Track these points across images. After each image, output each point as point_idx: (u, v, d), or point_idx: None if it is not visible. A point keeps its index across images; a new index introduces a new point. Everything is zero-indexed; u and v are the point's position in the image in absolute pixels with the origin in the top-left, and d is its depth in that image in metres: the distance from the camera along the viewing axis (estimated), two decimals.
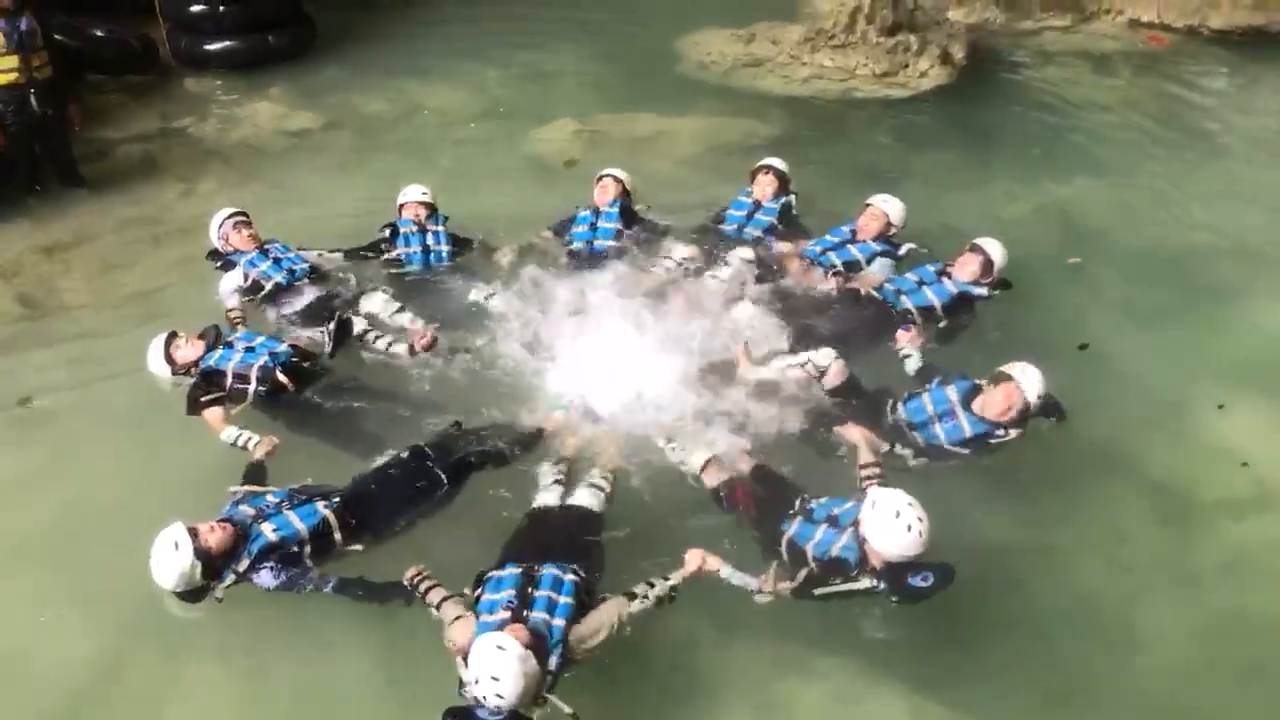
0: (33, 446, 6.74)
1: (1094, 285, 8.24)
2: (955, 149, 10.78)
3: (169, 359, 6.74)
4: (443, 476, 5.91)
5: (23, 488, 6.41)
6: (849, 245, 7.86)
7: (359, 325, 7.21)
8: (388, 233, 8.09)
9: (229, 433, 6.25)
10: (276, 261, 7.65)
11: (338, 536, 5.50)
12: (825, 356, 6.55)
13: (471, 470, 6.06)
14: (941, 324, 7.25)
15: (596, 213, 8.25)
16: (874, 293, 7.38)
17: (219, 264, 7.77)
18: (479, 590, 5.03)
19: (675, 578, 5.14)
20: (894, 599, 5.05)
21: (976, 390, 6.10)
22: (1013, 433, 5.99)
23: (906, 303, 7.26)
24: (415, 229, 8.07)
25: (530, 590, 4.92)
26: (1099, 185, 9.98)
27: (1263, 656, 5.40)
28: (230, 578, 5.23)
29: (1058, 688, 5.24)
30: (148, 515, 5.34)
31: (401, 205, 8.22)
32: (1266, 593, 5.72)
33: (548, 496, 5.88)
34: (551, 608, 4.85)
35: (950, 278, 7.35)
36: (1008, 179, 10.01)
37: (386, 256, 8.04)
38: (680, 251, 7.99)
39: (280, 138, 11.12)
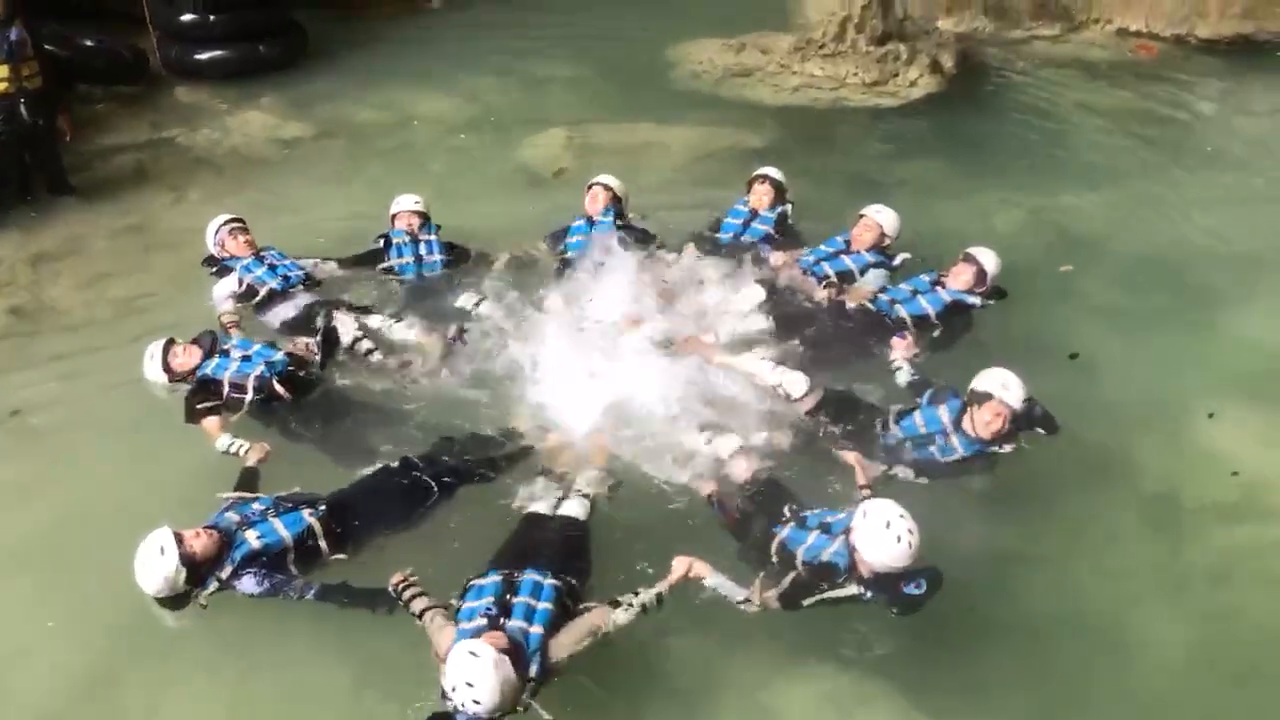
0: (23, 457, 6.72)
1: (1084, 293, 8.25)
2: (945, 157, 10.79)
3: (166, 366, 6.75)
4: (432, 486, 5.92)
5: (13, 497, 6.39)
6: (843, 256, 7.87)
7: (346, 335, 7.21)
8: (381, 243, 8.10)
9: (223, 440, 6.27)
10: (272, 268, 7.70)
11: (323, 545, 5.51)
12: (797, 385, 6.58)
13: (460, 482, 6.05)
14: (936, 333, 7.26)
15: (590, 222, 8.25)
16: (867, 304, 7.39)
17: (214, 270, 7.78)
18: (462, 598, 5.04)
19: (661, 586, 5.12)
20: (893, 610, 5.04)
21: (966, 408, 6.09)
22: (1007, 447, 6.00)
23: (901, 312, 7.27)
24: (408, 239, 8.08)
25: (509, 597, 4.93)
26: (1088, 193, 10.00)
27: (1254, 662, 5.40)
28: (214, 584, 5.24)
29: (1050, 694, 5.24)
30: (138, 524, 5.31)
31: (394, 215, 8.21)
32: (1257, 599, 5.73)
33: (538, 505, 5.86)
34: (530, 614, 4.87)
35: (944, 287, 7.37)
36: (998, 187, 10.02)
37: (380, 266, 8.05)
38: (679, 260, 7.98)
39: (271, 147, 11.10)
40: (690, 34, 13.43)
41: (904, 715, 5.05)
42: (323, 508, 5.63)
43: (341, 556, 5.55)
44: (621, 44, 13.59)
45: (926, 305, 7.29)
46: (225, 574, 5.24)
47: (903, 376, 6.72)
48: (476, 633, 4.72)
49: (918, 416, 6.24)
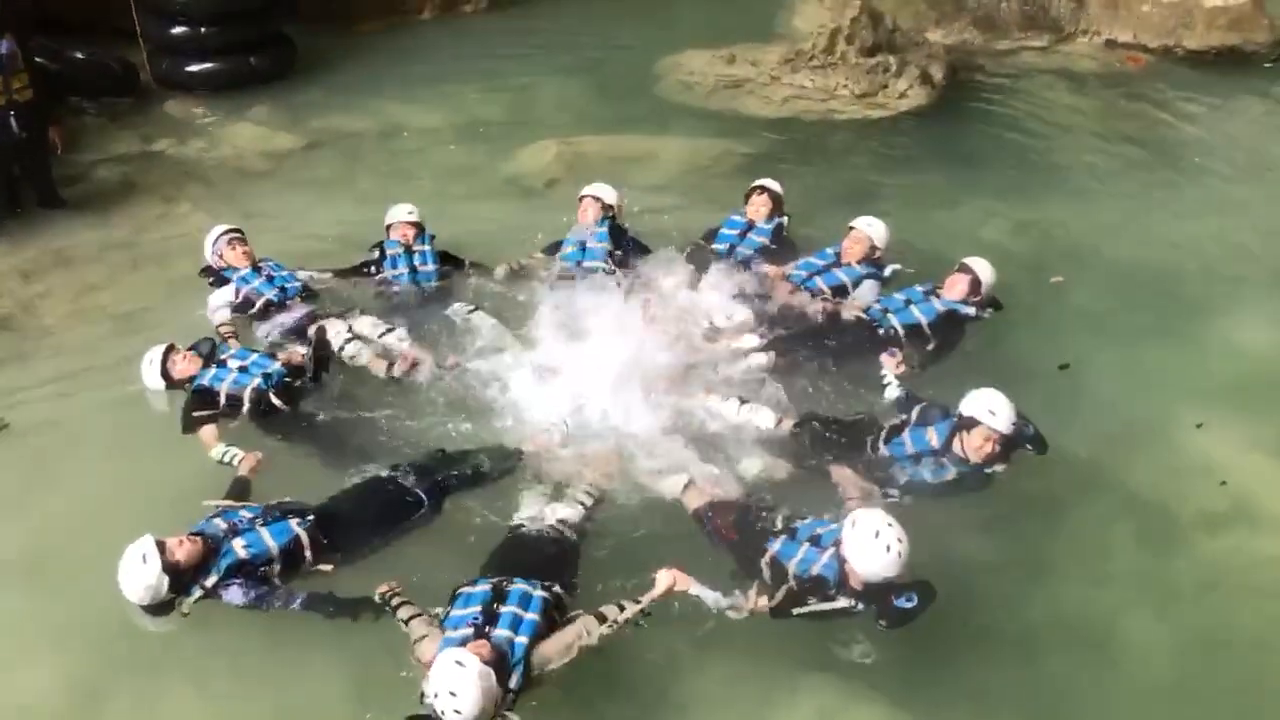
0: (10, 469, 6.69)
1: (1073, 304, 8.27)
2: (935, 169, 10.83)
3: (165, 373, 6.78)
4: (422, 497, 5.92)
5: (1, 509, 6.36)
6: (834, 269, 7.89)
7: (337, 340, 7.24)
8: (377, 254, 8.11)
9: (218, 450, 6.31)
10: (269, 279, 7.71)
11: (308, 555, 5.51)
12: (765, 420, 6.58)
13: (450, 492, 6.06)
14: (931, 345, 7.26)
15: (585, 231, 8.25)
16: (861, 315, 7.41)
17: (212, 279, 7.80)
18: (450, 606, 5.05)
19: (646, 599, 5.11)
20: (882, 623, 5.04)
21: (955, 432, 6.08)
22: (999, 468, 6.00)
23: (893, 321, 7.29)
24: (402, 250, 8.09)
25: (497, 606, 4.94)
26: (1078, 204, 10.04)
27: (1244, 671, 5.43)
28: (198, 592, 5.25)
29: (1041, 704, 5.26)
30: (127, 536, 5.29)
31: (389, 225, 8.22)
32: (1246, 609, 5.76)
33: (529, 513, 5.88)
34: (516, 624, 4.87)
35: (939, 298, 7.38)
36: (987, 198, 10.05)
37: (376, 277, 8.07)
38: (671, 281, 7.96)
39: (261, 159, 11.08)
40: (680, 45, 13.42)
41: None
42: (311, 518, 5.62)
43: (327, 568, 5.54)
44: (611, 55, 13.60)
45: (919, 315, 7.31)
46: (210, 582, 5.24)
47: (892, 391, 6.73)
48: (463, 641, 4.73)
49: (906, 437, 6.24)
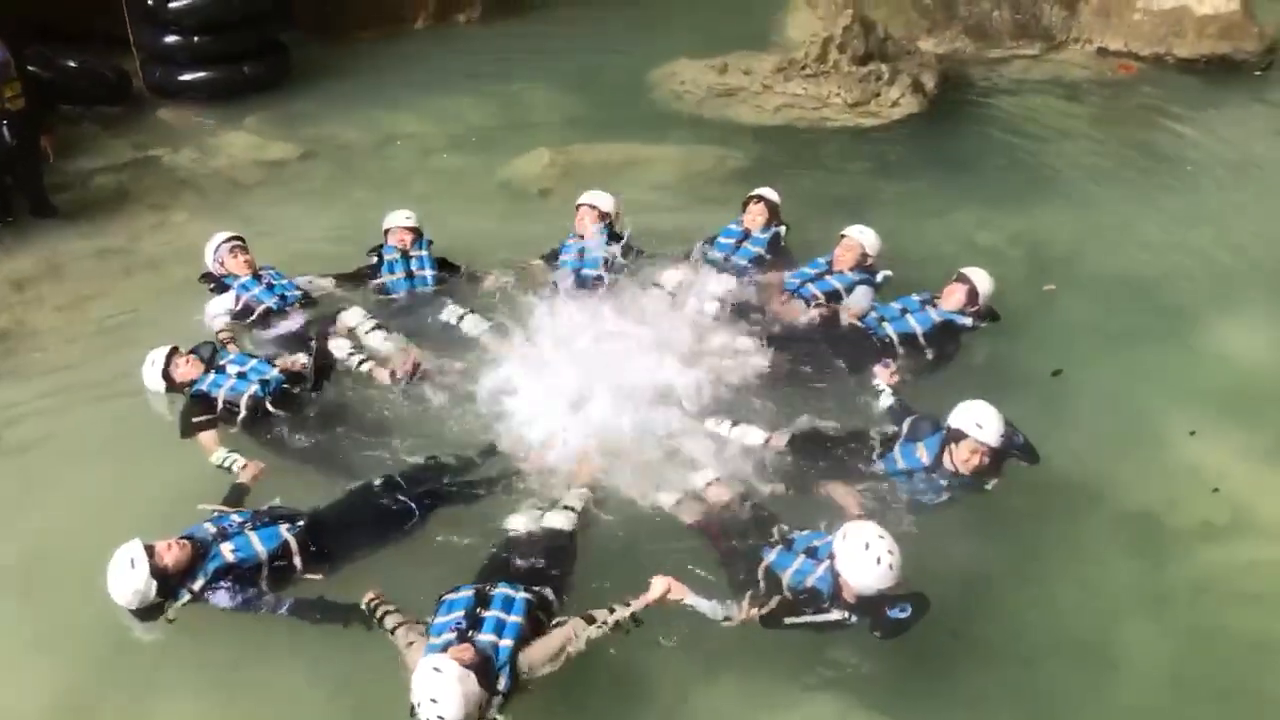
0: (2, 477, 6.68)
1: (1065, 311, 8.30)
2: (927, 177, 10.85)
3: (166, 375, 6.80)
4: (412, 507, 5.93)
5: None
6: (827, 276, 7.90)
7: (340, 351, 7.25)
8: (374, 259, 8.13)
9: (219, 455, 6.35)
10: (269, 287, 7.74)
11: (297, 561, 5.52)
12: (755, 437, 6.57)
13: (441, 503, 6.08)
14: (928, 355, 7.27)
15: (583, 239, 8.26)
16: (857, 322, 7.42)
17: (212, 286, 7.81)
18: (435, 614, 5.07)
19: (638, 605, 5.12)
20: (876, 634, 5.03)
21: (945, 444, 6.06)
22: (992, 483, 5.99)
23: (889, 329, 7.30)
24: (399, 255, 8.11)
25: (480, 611, 4.95)
26: (1070, 212, 10.07)
27: (1236, 678, 5.45)
28: (185, 596, 5.26)
29: (1035, 713, 5.27)
30: (120, 544, 5.29)
31: (387, 231, 8.24)
32: (1239, 616, 5.78)
33: (520, 520, 5.88)
34: (500, 628, 4.89)
35: (936, 307, 7.38)
36: (980, 206, 10.07)
37: (374, 284, 8.09)
38: (670, 277, 7.99)
39: (255, 168, 11.07)
40: (673, 54, 13.44)
41: None
42: (301, 524, 5.65)
43: (315, 576, 5.55)
44: (604, 64, 13.61)
45: (915, 324, 7.31)
46: (197, 586, 5.26)
47: (885, 401, 6.73)
48: (445, 646, 4.75)
49: (897, 452, 6.22)
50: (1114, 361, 7.67)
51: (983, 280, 7.39)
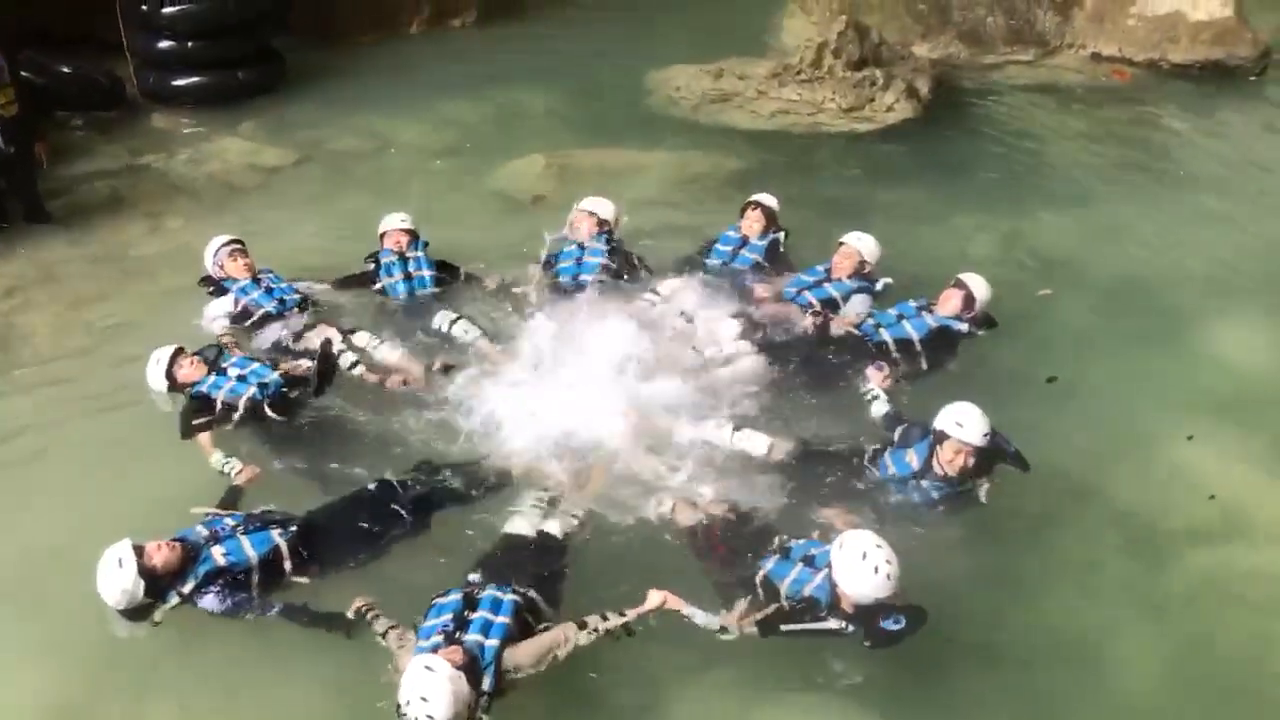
0: None
1: (1061, 316, 8.30)
2: (922, 182, 10.84)
3: (169, 374, 6.82)
4: (404, 514, 5.93)
5: None
6: (825, 284, 7.89)
7: (344, 360, 7.27)
8: (372, 265, 8.14)
9: (217, 458, 6.38)
10: (269, 290, 7.74)
11: (287, 566, 5.53)
12: (758, 446, 6.53)
13: (434, 509, 6.07)
14: (923, 361, 7.24)
15: (581, 246, 8.26)
16: (853, 330, 7.41)
17: (211, 289, 7.83)
18: (425, 617, 5.08)
19: (633, 613, 5.12)
20: (867, 643, 5.02)
21: (932, 446, 6.05)
22: (984, 488, 5.98)
23: (884, 336, 7.28)
24: (396, 257, 8.11)
25: (468, 613, 4.97)
26: (1064, 217, 10.07)
27: (1232, 684, 5.44)
28: (174, 599, 5.27)
29: (1033, 717, 5.27)
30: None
31: (383, 234, 8.25)
32: (1234, 621, 5.77)
33: (519, 523, 5.89)
34: (487, 628, 4.90)
35: (932, 313, 7.37)
36: (974, 212, 10.07)
37: (374, 287, 8.09)
38: (667, 286, 7.98)
39: (250, 174, 11.05)
40: (668, 60, 13.44)
41: None
42: (293, 529, 5.65)
43: (304, 580, 5.56)
44: (599, 70, 13.61)
45: (910, 330, 7.30)
46: (186, 589, 5.28)
47: (878, 408, 6.72)
48: (434, 648, 4.76)
49: (888, 459, 6.20)
50: (1109, 367, 7.67)
51: (979, 286, 7.37)
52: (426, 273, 8.10)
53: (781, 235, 8.41)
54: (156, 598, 5.25)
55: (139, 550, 5.20)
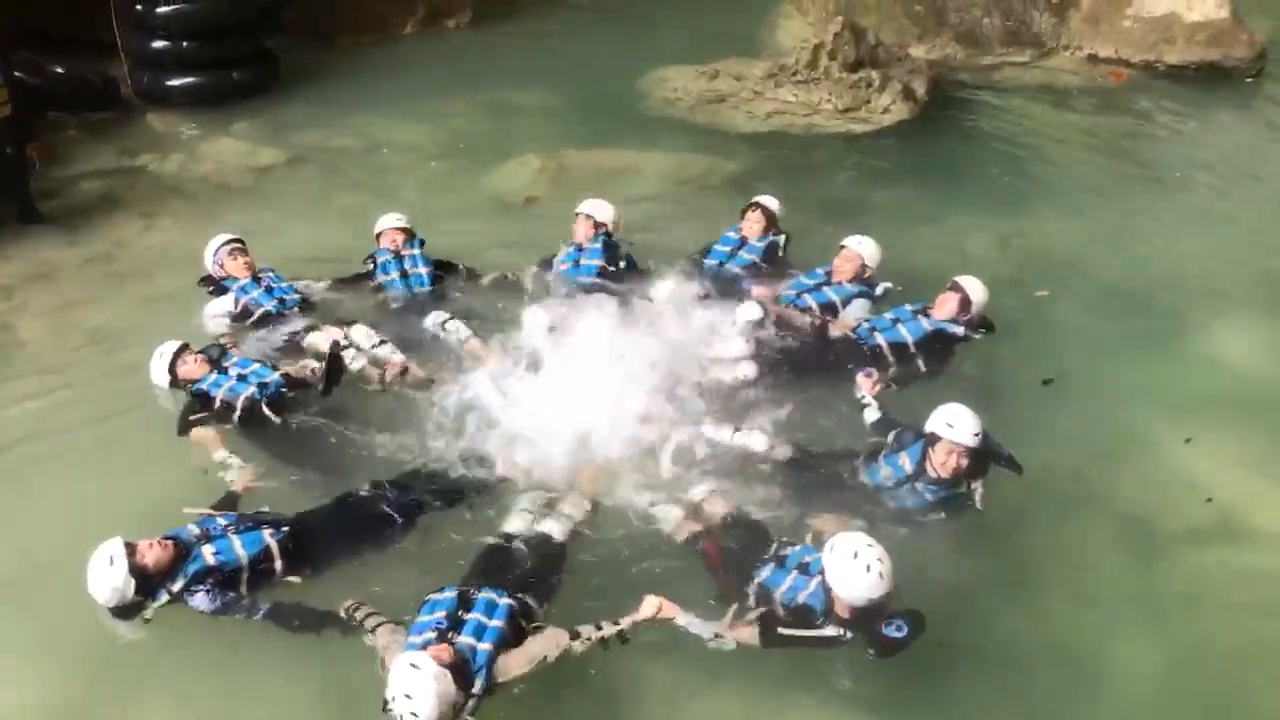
0: None
1: (1057, 318, 8.29)
2: (918, 183, 10.84)
3: (172, 369, 6.85)
4: (395, 516, 5.93)
5: None
6: (825, 288, 7.86)
7: (351, 361, 7.23)
8: (370, 265, 8.14)
9: (220, 455, 6.40)
10: (269, 290, 7.76)
11: (278, 566, 5.53)
12: (760, 442, 6.52)
13: (425, 510, 6.06)
14: (919, 365, 7.22)
15: (579, 248, 8.24)
16: (850, 334, 7.38)
17: (211, 289, 7.83)
18: (418, 613, 5.07)
19: (627, 621, 5.09)
20: (871, 652, 4.99)
21: (925, 449, 6.01)
22: (979, 493, 5.95)
23: (879, 339, 7.25)
24: (392, 256, 8.12)
25: (462, 613, 4.96)
26: (1061, 218, 10.07)
27: (1228, 687, 5.43)
28: (164, 597, 5.28)
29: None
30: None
31: (379, 234, 8.26)
32: (1231, 624, 5.76)
33: (514, 526, 5.87)
34: (481, 631, 4.89)
35: (928, 316, 7.35)
36: (970, 213, 10.06)
37: (372, 286, 8.11)
38: (662, 289, 7.94)
39: (244, 174, 11.03)
40: (664, 61, 13.43)
41: None
42: (285, 529, 5.65)
43: (295, 580, 5.55)
44: (594, 71, 13.59)
45: (906, 333, 7.27)
46: (176, 587, 5.28)
47: (870, 414, 6.67)
48: (424, 645, 4.76)
49: (882, 463, 6.17)
50: (1106, 369, 7.65)
51: (976, 289, 7.34)
52: (423, 270, 8.10)
53: (782, 239, 8.37)
54: (147, 596, 5.26)
55: (130, 548, 5.21)
